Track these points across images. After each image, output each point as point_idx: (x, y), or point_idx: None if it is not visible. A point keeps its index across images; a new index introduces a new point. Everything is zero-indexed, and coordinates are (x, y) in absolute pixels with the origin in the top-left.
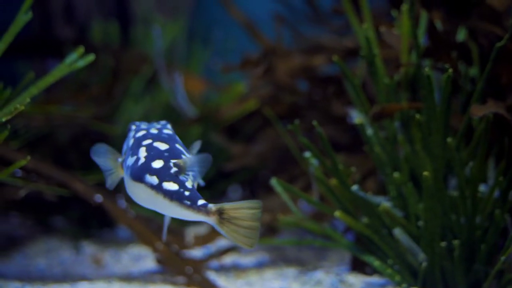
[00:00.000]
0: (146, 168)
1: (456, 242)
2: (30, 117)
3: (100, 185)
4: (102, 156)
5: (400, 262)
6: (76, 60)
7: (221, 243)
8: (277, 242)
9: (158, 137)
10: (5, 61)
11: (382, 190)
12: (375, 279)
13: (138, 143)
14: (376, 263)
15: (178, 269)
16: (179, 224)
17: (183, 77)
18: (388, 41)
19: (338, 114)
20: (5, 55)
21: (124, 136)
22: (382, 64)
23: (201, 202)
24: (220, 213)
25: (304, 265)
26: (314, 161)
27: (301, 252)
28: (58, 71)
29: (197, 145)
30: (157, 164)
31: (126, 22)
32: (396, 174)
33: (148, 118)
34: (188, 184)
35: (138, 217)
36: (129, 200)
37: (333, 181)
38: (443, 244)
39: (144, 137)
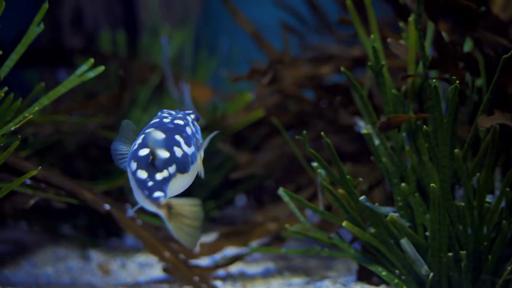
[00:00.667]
0: (134, 155)
1: (463, 253)
2: (39, 126)
3: (108, 194)
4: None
5: (407, 273)
6: (87, 71)
7: (228, 252)
8: (284, 252)
9: (161, 126)
10: (14, 69)
11: (389, 200)
12: None
13: (143, 130)
14: (383, 273)
15: (185, 278)
16: None
17: (190, 85)
18: (395, 52)
19: (345, 123)
20: (14, 64)
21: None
22: (389, 75)
23: (157, 194)
24: (169, 207)
25: (310, 274)
26: (321, 171)
27: (307, 262)
28: (69, 82)
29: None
30: (143, 152)
31: (133, 31)
32: (403, 185)
33: None
34: (158, 176)
35: (145, 225)
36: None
37: (341, 191)
38: (450, 254)
39: (149, 125)
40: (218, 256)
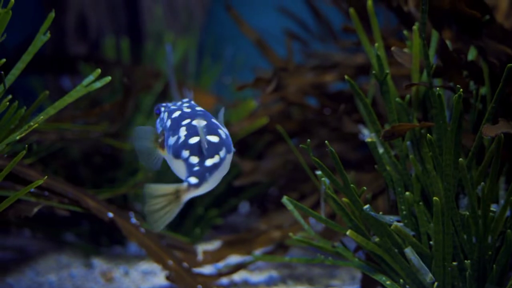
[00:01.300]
0: (184, 144)
1: (467, 262)
2: (43, 133)
3: (111, 202)
4: (144, 136)
5: (411, 282)
6: (93, 81)
7: (231, 260)
8: (287, 260)
9: (195, 115)
10: (19, 76)
11: (393, 208)
12: None
13: (177, 123)
14: (388, 282)
15: (188, 286)
16: (190, 241)
17: (194, 92)
18: (400, 60)
19: (349, 131)
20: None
21: (135, 152)
22: (393, 83)
23: (190, 179)
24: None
25: (314, 283)
26: (325, 179)
27: (311, 270)
28: (75, 92)
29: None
30: (194, 140)
31: (137, 38)
32: (407, 193)
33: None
34: (215, 160)
35: (148, 233)
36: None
37: (345, 200)
38: (455, 263)
39: (182, 117)
40: (221, 264)
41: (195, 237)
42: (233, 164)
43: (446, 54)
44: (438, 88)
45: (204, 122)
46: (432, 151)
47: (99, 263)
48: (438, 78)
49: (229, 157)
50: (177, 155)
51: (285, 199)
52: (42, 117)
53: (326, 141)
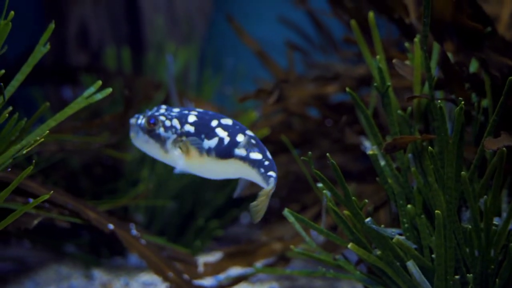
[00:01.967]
0: (233, 144)
1: (470, 276)
2: (43, 144)
3: (112, 213)
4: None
5: None
6: (94, 93)
7: (233, 272)
8: (288, 272)
9: (216, 115)
10: (19, 87)
11: (395, 221)
12: None
13: (205, 126)
14: None
15: None
16: (190, 253)
17: (195, 103)
18: (401, 72)
19: (351, 143)
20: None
21: (137, 161)
22: (395, 95)
23: (270, 173)
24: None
25: None
26: (326, 192)
27: (312, 282)
28: (76, 104)
29: None
30: (240, 138)
31: (139, 48)
32: (409, 206)
33: None
34: (269, 154)
35: (149, 245)
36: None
37: (346, 213)
38: (457, 277)
39: (205, 119)
40: (222, 276)
41: (196, 248)
42: None
43: (447, 66)
44: (439, 101)
45: (230, 121)
46: (434, 164)
47: (99, 274)
48: (440, 90)
49: None
50: (227, 155)
51: (286, 212)
52: (47, 131)
53: (327, 154)
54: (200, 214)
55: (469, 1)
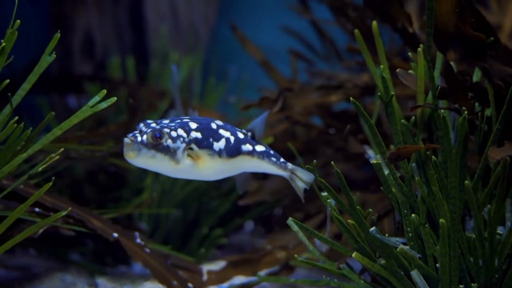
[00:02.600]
0: (238, 140)
1: (474, 285)
2: (48, 153)
3: (116, 221)
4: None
5: None
6: (99, 101)
7: (236, 281)
8: (292, 281)
9: (208, 119)
10: (25, 95)
11: (399, 230)
12: None
13: (209, 130)
14: None
15: None
16: (195, 261)
17: (199, 112)
18: (405, 82)
19: (354, 152)
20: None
21: (141, 169)
22: (398, 103)
23: (282, 160)
24: (292, 172)
25: None
26: (330, 201)
27: None
28: (82, 113)
29: None
30: (240, 134)
31: (143, 57)
32: (413, 216)
33: None
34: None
35: (153, 254)
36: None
37: (350, 222)
38: (461, 286)
39: (206, 124)
40: (226, 285)
41: (200, 257)
42: None
43: (451, 76)
44: (443, 110)
45: (222, 122)
46: (438, 173)
47: (103, 282)
48: (443, 100)
49: None
50: (236, 152)
51: (290, 221)
52: (50, 138)
53: (332, 162)
54: (204, 222)
55: (472, 11)
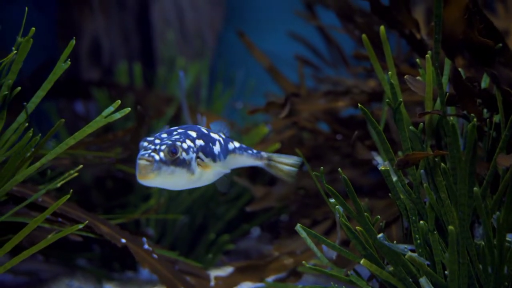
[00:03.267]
0: (226, 141)
1: None
2: (57, 159)
3: (123, 227)
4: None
5: None
6: (113, 112)
7: (244, 287)
8: None
9: (195, 125)
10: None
11: (407, 236)
12: None
13: (207, 137)
14: None
15: None
16: (202, 267)
17: (206, 117)
18: (413, 88)
19: (361, 157)
20: (32, 95)
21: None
22: (406, 110)
23: (255, 151)
24: (269, 159)
25: None
26: (338, 208)
27: None
28: (95, 123)
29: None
30: (222, 135)
31: (150, 63)
32: (421, 222)
33: None
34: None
35: (161, 259)
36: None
37: (358, 228)
38: None
39: (201, 132)
40: None
41: (207, 262)
42: (245, 190)
43: (459, 83)
44: (452, 118)
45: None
46: (446, 180)
47: None
48: (452, 106)
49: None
50: (227, 152)
51: (298, 227)
52: (64, 148)
53: (339, 169)
54: (211, 228)
55: (480, 17)
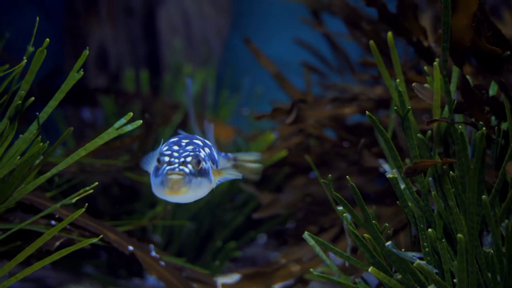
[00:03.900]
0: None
1: None
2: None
3: (130, 234)
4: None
5: None
6: (125, 124)
7: None
8: None
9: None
10: (39, 108)
11: (415, 244)
12: None
13: (208, 145)
14: None
15: None
16: (210, 274)
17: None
18: (421, 96)
19: (368, 164)
20: (39, 103)
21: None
22: (414, 117)
23: (223, 153)
24: (234, 159)
25: None
26: (346, 215)
27: None
28: (107, 135)
29: None
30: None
31: (156, 70)
32: (430, 230)
33: None
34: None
35: (168, 266)
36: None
37: (366, 236)
38: None
39: (198, 138)
40: None
41: (214, 269)
42: (252, 197)
43: (467, 90)
44: (460, 126)
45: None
46: (455, 188)
47: None
48: (460, 114)
49: None
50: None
51: (306, 235)
52: (76, 158)
53: (347, 176)
54: (218, 235)
55: (488, 25)
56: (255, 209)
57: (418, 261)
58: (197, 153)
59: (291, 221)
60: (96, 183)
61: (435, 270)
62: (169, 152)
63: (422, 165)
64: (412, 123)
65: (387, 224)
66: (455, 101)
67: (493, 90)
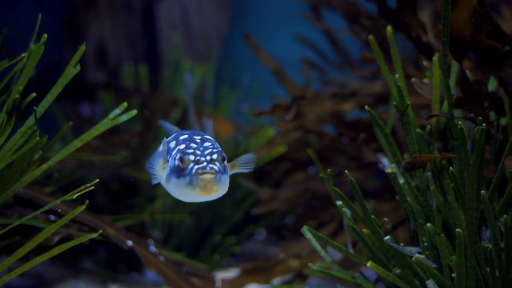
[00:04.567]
0: None
1: None
2: (63, 162)
3: (129, 229)
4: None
5: None
6: (120, 114)
7: None
8: None
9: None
10: (38, 103)
11: (414, 239)
12: None
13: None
14: None
15: None
16: (209, 269)
17: (212, 120)
18: (420, 91)
19: (368, 161)
20: (38, 98)
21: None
22: (413, 112)
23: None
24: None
25: None
26: (345, 210)
27: None
28: (102, 125)
29: None
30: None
31: (156, 66)
32: (428, 225)
33: None
34: None
35: (167, 261)
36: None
37: (365, 231)
38: None
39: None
40: None
41: (213, 264)
42: (251, 192)
43: (466, 85)
44: (460, 122)
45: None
46: (454, 183)
47: None
48: (459, 109)
49: None
50: None
51: (304, 229)
52: (72, 150)
53: (346, 171)
54: (217, 230)
55: (488, 20)
56: (254, 204)
57: (417, 255)
58: (219, 149)
59: (290, 216)
60: (97, 179)
61: (433, 265)
62: (191, 151)
63: (421, 160)
64: (411, 118)
65: (386, 219)
66: (454, 96)
67: (492, 85)
